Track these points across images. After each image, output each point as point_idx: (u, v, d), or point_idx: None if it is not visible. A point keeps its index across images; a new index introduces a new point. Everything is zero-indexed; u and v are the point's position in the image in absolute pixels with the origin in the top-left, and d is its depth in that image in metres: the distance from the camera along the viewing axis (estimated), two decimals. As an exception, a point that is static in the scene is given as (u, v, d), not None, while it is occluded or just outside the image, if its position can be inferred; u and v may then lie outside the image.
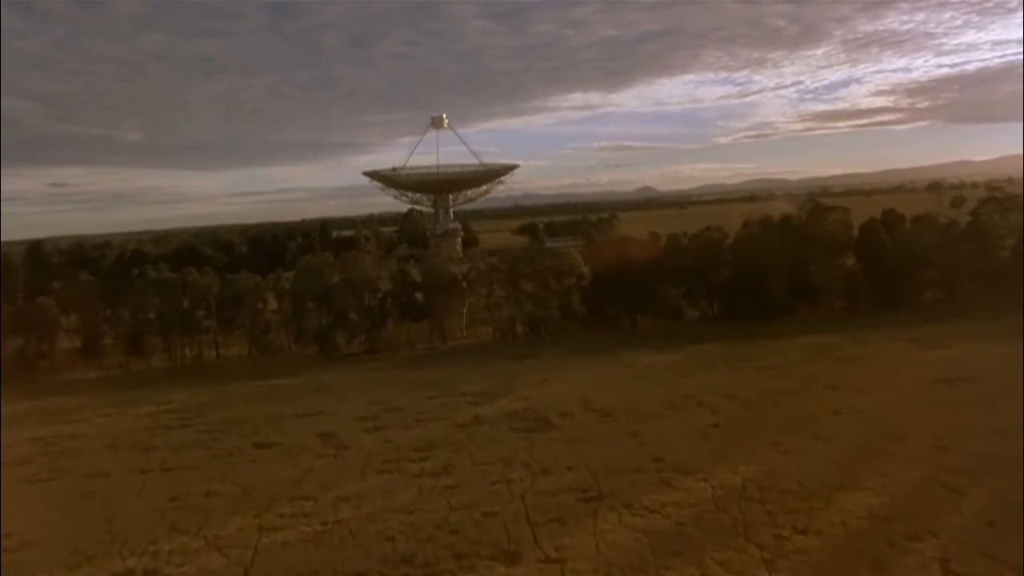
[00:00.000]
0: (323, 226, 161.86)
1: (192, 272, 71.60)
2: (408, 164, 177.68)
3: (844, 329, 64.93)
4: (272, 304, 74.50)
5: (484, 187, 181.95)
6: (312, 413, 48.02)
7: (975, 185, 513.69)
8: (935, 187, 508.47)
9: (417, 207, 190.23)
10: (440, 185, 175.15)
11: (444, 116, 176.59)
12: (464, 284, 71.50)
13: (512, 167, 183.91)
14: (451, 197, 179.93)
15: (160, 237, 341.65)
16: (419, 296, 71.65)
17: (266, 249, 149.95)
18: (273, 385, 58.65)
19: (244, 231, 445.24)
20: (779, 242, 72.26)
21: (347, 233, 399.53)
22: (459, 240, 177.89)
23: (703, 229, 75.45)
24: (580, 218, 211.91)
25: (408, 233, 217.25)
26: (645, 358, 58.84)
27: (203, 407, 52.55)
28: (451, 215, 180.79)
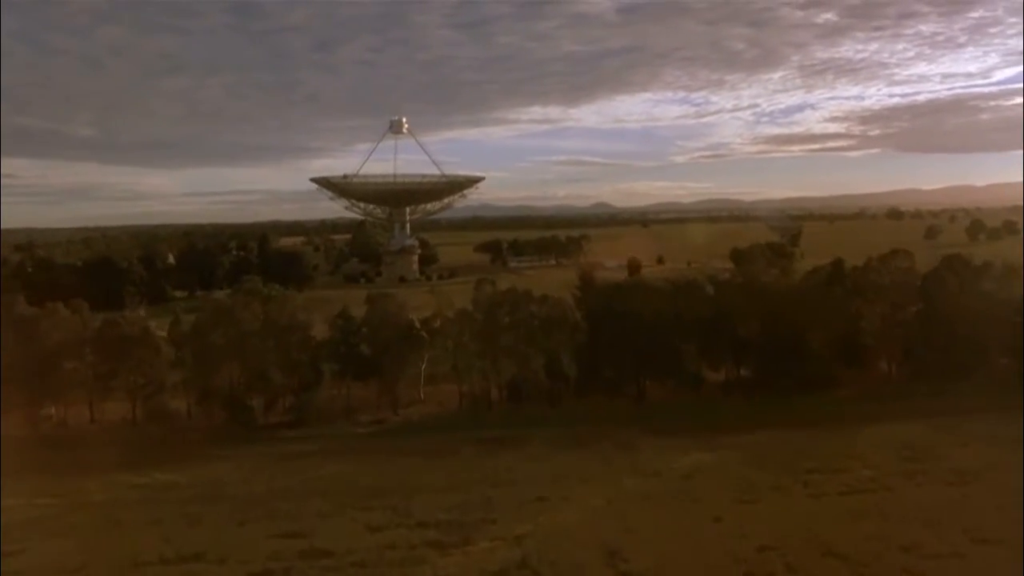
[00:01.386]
0: (263, 238, 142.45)
1: (59, 307, 53.41)
2: (363, 171, 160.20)
3: (922, 413, 49.63)
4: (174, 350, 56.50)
5: (446, 200, 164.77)
6: (186, 558, 30.89)
7: (934, 214, 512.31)
8: (895, 214, 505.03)
9: (371, 218, 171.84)
10: (397, 196, 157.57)
11: (404, 120, 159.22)
12: (424, 335, 54.67)
13: (476, 179, 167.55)
14: (408, 210, 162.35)
15: (93, 238, 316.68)
16: (365, 349, 54.58)
17: (196, 262, 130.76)
18: (147, 485, 41.12)
19: (188, 232, 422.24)
20: (828, 291, 57.01)
21: (296, 240, 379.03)
22: (415, 258, 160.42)
23: (734, 274, 59.59)
24: (548, 236, 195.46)
25: (360, 247, 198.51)
26: (674, 456, 42.64)
27: (26, 527, 35.05)
28: (408, 230, 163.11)
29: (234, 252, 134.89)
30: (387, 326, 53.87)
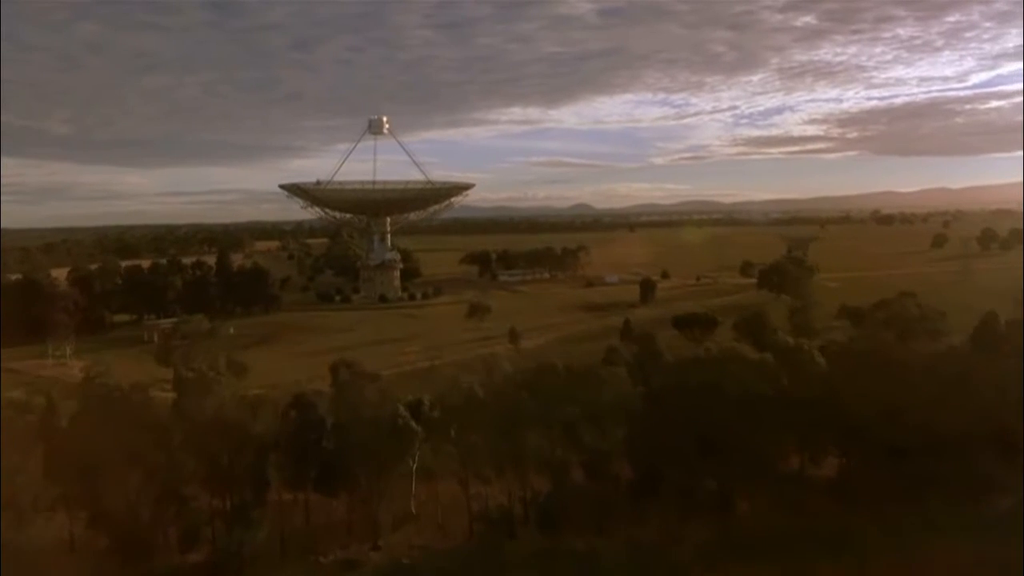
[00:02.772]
0: (222, 253, 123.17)
1: None
2: (341, 175, 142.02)
3: None
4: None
5: (431, 209, 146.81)
6: None
7: (922, 218, 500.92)
8: (885, 219, 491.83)
9: (348, 227, 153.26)
10: (377, 205, 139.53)
11: (384, 120, 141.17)
12: (415, 427, 37.44)
13: (465, 186, 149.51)
14: (389, 220, 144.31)
15: (54, 244, 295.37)
16: (328, 443, 37.31)
17: (144, 283, 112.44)
18: None
19: (158, 237, 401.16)
20: (977, 361, 40.55)
21: (270, 244, 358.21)
22: (397, 274, 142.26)
23: (855, 336, 43.01)
24: (542, 248, 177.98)
25: (336, 259, 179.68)
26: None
27: None
28: (388, 242, 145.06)
29: (190, 271, 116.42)
30: (362, 423, 36.60)
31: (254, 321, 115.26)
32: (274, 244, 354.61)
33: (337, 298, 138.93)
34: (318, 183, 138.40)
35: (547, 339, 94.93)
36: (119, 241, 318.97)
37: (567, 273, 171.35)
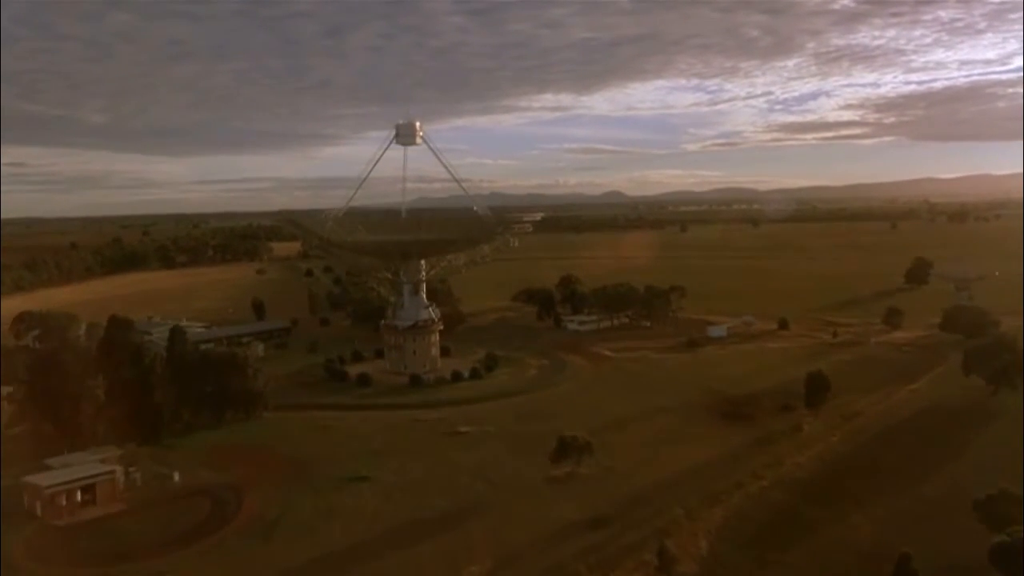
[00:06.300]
0: (176, 333, 77.08)
1: None
2: (363, 195, 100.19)
3: None
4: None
5: (485, 249, 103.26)
6: None
7: (995, 213, 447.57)
8: (959, 216, 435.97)
9: (370, 276, 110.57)
10: (407, 244, 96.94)
11: (417, 126, 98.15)
12: None
13: (532, 219, 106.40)
14: (424, 264, 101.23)
15: (35, 263, 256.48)
16: None
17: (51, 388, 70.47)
18: None
19: (187, 233, 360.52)
20: None
21: (286, 250, 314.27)
22: (435, 339, 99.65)
23: None
24: (619, 286, 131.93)
25: (357, 304, 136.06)
26: None
27: None
28: (423, 294, 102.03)
29: (130, 362, 73.35)
30: None
31: (221, 440, 73.91)
32: (294, 247, 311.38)
33: (353, 373, 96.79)
34: (323, 213, 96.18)
35: (709, 539, 51.91)
36: (126, 250, 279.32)
37: (656, 316, 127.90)
